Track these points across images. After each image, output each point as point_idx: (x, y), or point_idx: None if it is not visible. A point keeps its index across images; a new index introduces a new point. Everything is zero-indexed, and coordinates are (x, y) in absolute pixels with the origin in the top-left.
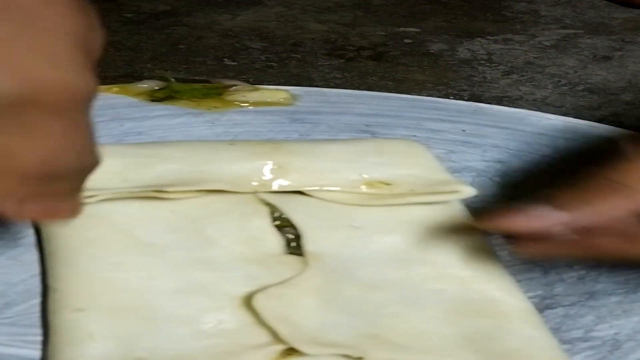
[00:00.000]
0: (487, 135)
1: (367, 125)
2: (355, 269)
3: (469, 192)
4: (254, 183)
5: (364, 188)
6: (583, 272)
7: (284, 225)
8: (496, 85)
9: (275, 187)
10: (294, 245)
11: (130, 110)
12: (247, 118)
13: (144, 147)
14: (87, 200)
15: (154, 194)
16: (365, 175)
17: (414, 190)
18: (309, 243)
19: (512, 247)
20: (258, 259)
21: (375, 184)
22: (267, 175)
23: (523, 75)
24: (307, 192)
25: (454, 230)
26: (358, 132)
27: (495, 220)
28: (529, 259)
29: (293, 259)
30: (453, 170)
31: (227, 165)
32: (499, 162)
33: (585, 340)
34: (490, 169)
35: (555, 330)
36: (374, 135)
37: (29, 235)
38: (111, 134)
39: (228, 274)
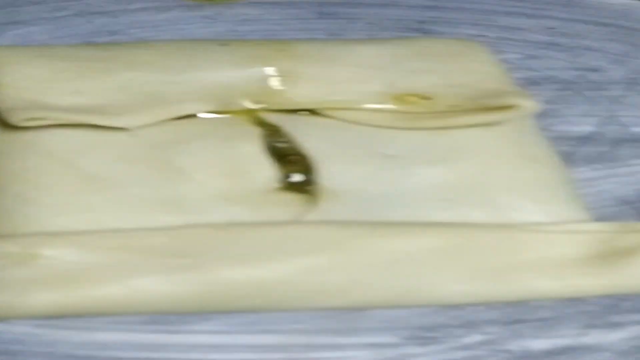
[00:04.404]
0: (580, 35)
1: (421, 22)
2: (386, 210)
3: (532, 107)
4: (246, 98)
5: (391, 104)
6: None
7: (284, 153)
8: None
9: (276, 104)
10: (297, 181)
11: (104, 2)
12: (260, 12)
13: (109, 48)
14: (30, 124)
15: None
16: (397, 87)
17: (457, 105)
18: (324, 176)
19: None
20: (243, 197)
21: (408, 99)
22: (266, 86)
23: None
24: (319, 111)
25: (522, 161)
26: (407, 30)
27: None
28: None
29: (292, 197)
30: (529, 82)
31: (212, 73)
32: (594, 70)
33: None
34: (581, 79)
35: None
36: (428, 35)
37: None
38: (76, 34)
39: (203, 218)
